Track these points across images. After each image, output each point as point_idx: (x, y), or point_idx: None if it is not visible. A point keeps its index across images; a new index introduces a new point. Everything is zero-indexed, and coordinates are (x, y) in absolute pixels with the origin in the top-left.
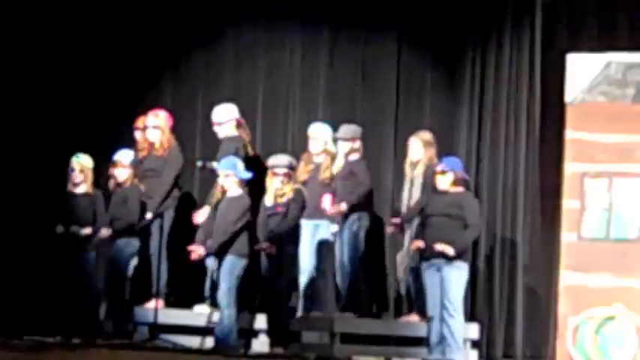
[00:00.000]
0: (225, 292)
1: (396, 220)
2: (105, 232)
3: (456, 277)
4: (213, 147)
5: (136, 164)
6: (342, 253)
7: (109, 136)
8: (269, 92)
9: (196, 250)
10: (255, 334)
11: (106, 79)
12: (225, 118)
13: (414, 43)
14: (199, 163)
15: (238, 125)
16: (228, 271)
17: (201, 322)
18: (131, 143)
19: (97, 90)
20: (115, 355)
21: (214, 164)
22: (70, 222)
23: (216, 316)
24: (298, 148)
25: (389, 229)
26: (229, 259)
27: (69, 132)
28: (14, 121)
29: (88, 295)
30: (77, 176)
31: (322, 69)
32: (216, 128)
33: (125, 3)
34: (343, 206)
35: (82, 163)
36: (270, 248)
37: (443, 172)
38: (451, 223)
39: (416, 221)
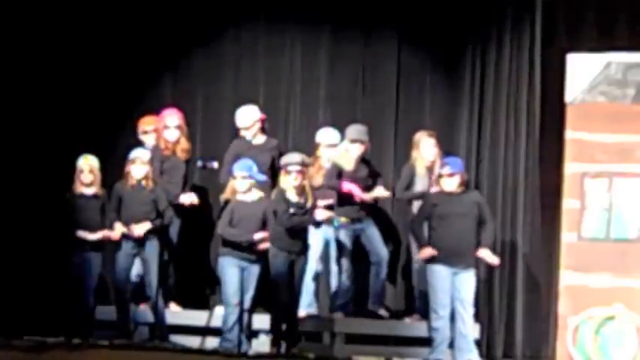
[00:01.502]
0: (252, 298)
1: None
2: (141, 227)
3: (473, 281)
4: (213, 147)
5: (157, 162)
6: (356, 257)
7: (108, 136)
8: (269, 92)
9: (264, 239)
10: (255, 334)
11: (105, 79)
12: (251, 122)
13: (414, 43)
14: (199, 164)
15: (262, 122)
16: (257, 277)
17: (201, 322)
18: (130, 142)
19: (96, 90)
20: (115, 355)
21: (215, 164)
22: (77, 223)
23: (216, 317)
24: (298, 148)
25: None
26: (258, 266)
27: (68, 132)
28: (14, 122)
29: (89, 296)
30: (87, 176)
31: (322, 69)
32: (243, 133)
33: (125, 3)
34: (385, 192)
35: (90, 163)
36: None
37: (451, 175)
38: (471, 223)
39: (416, 205)
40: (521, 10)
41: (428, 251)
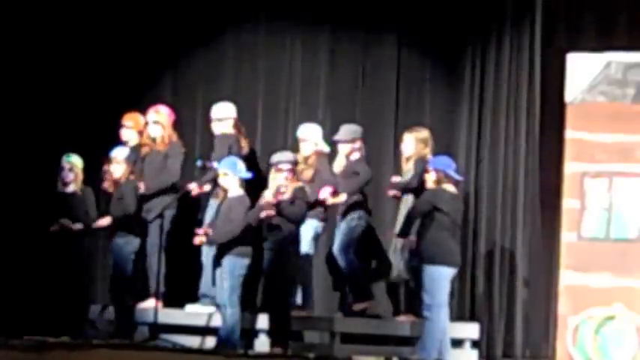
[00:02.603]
0: (228, 291)
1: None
2: (105, 221)
3: (434, 278)
4: (212, 147)
5: (133, 160)
6: (334, 243)
7: (109, 135)
8: (269, 92)
9: (200, 236)
10: (255, 334)
11: (106, 78)
12: (225, 115)
13: (414, 43)
14: (199, 163)
15: (235, 125)
16: (229, 271)
17: (201, 322)
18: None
19: (97, 90)
20: (115, 355)
21: (214, 164)
22: (56, 220)
23: (216, 316)
24: (298, 147)
25: (390, 193)
26: (230, 259)
27: (69, 131)
28: (13, 121)
29: (82, 294)
30: (67, 175)
31: (322, 69)
32: (214, 124)
33: (125, 3)
34: (343, 197)
35: (72, 162)
36: (271, 214)
37: (427, 171)
38: (430, 222)
39: (409, 198)
40: (521, 10)
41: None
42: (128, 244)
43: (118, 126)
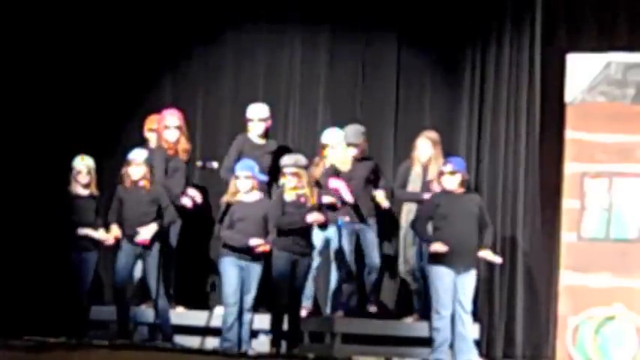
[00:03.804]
0: (254, 297)
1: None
2: (147, 231)
3: (473, 281)
4: (213, 147)
5: (161, 162)
6: (365, 256)
7: (108, 136)
8: (269, 92)
9: (263, 244)
10: (255, 334)
11: (106, 79)
12: (267, 114)
13: (414, 43)
14: (199, 163)
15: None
16: (258, 277)
17: (201, 322)
18: (131, 143)
19: (96, 90)
20: (115, 355)
21: (214, 164)
22: (74, 223)
23: (216, 317)
24: (298, 147)
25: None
26: (259, 265)
27: (69, 132)
28: (14, 122)
29: (86, 295)
30: (84, 177)
31: (322, 69)
32: (261, 124)
33: (125, 3)
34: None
35: (87, 164)
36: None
37: (452, 173)
38: (473, 224)
39: (407, 206)
40: (521, 10)
41: (437, 245)
42: (157, 247)
43: (118, 127)
